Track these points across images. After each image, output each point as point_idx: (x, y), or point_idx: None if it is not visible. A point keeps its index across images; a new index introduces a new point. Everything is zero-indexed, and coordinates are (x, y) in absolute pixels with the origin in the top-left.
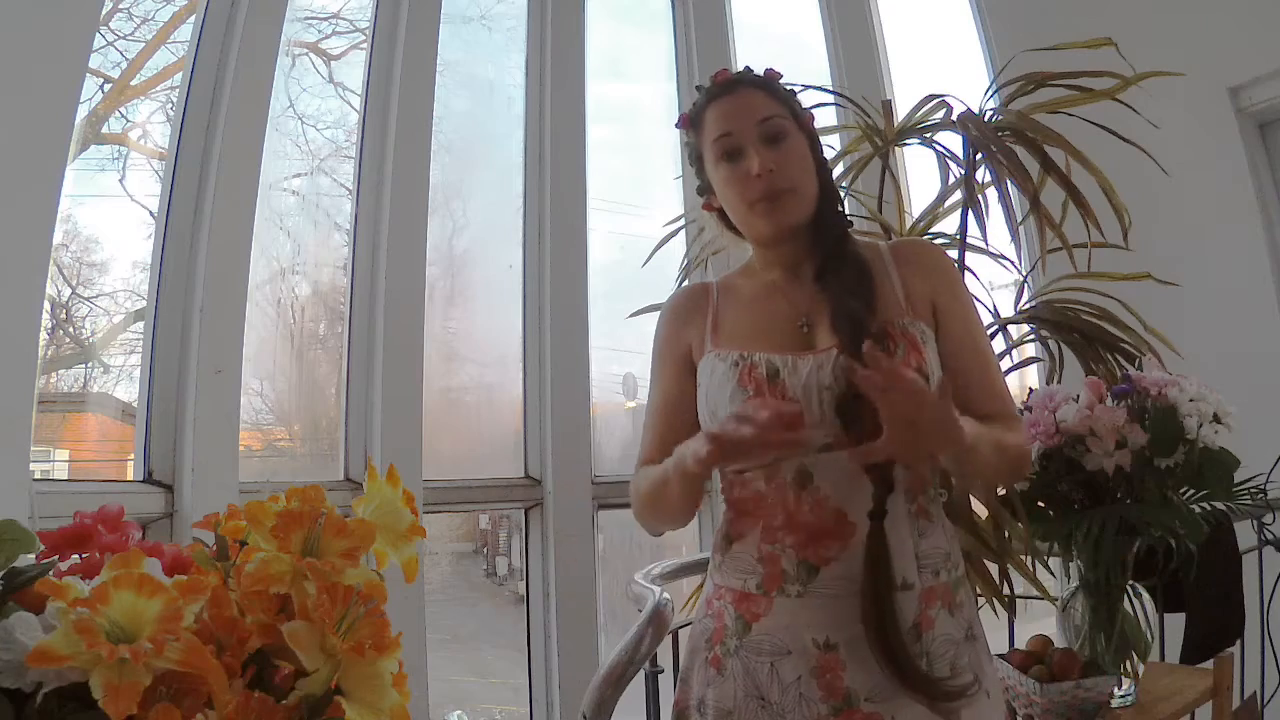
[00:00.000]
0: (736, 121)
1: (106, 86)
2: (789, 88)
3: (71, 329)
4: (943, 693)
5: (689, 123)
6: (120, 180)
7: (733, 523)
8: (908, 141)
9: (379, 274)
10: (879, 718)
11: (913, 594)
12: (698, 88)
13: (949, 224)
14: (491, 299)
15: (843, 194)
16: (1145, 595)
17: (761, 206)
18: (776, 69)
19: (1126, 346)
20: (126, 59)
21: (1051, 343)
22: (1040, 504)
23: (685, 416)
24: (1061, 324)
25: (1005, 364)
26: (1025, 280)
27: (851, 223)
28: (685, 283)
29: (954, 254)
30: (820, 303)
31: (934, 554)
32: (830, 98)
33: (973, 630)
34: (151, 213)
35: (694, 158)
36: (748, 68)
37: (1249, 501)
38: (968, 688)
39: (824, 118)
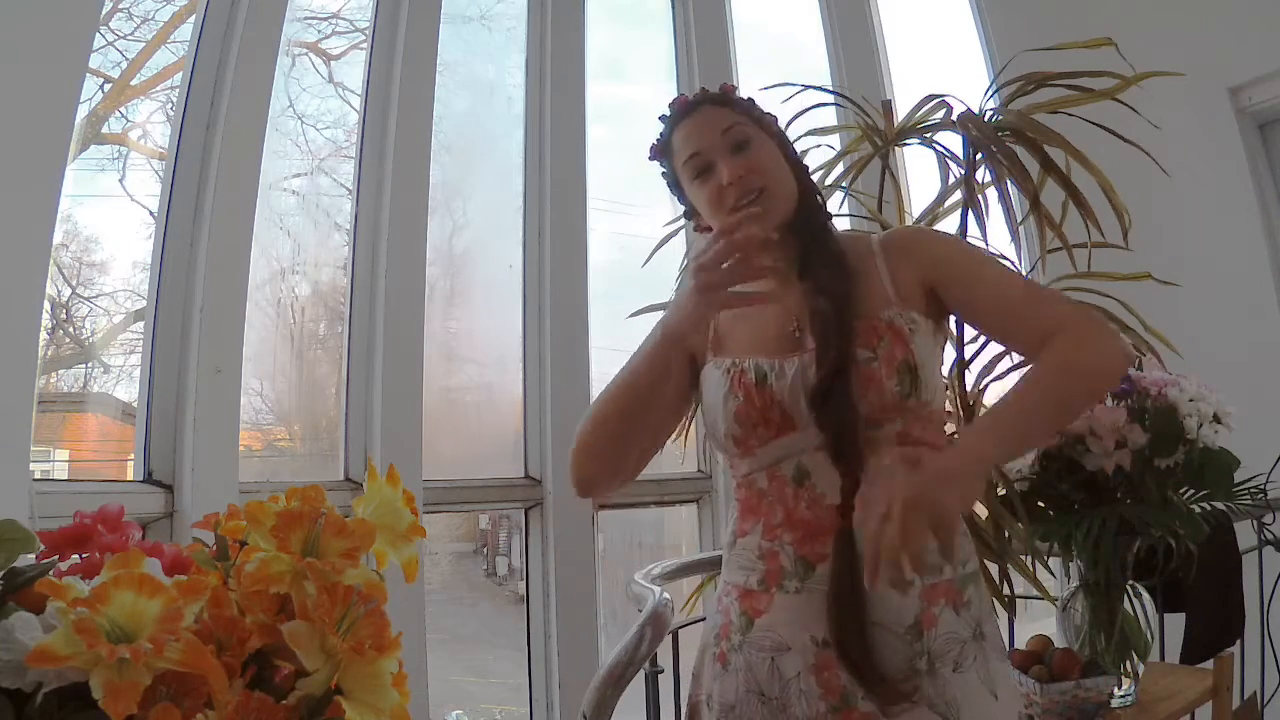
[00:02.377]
0: (701, 139)
1: (106, 86)
2: (747, 97)
3: (71, 329)
4: (889, 694)
5: (660, 152)
6: (120, 180)
7: (738, 521)
8: (908, 141)
9: (379, 274)
10: (876, 718)
11: (912, 591)
12: (660, 118)
13: (949, 224)
14: (491, 299)
15: (841, 194)
16: (1145, 595)
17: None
18: (731, 84)
19: None
20: (126, 59)
21: None
22: (1040, 504)
23: (670, 384)
24: None
25: (1005, 364)
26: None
27: (830, 215)
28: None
29: None
30: (806, 304)
31: (935, 550)
32: (830, 98)
33: (982, 629)
34: (151, 213)
35: (673, 185)
36: (704, 88)
37: (1249, 501)
38: (911, 694)
39: (824, 118)
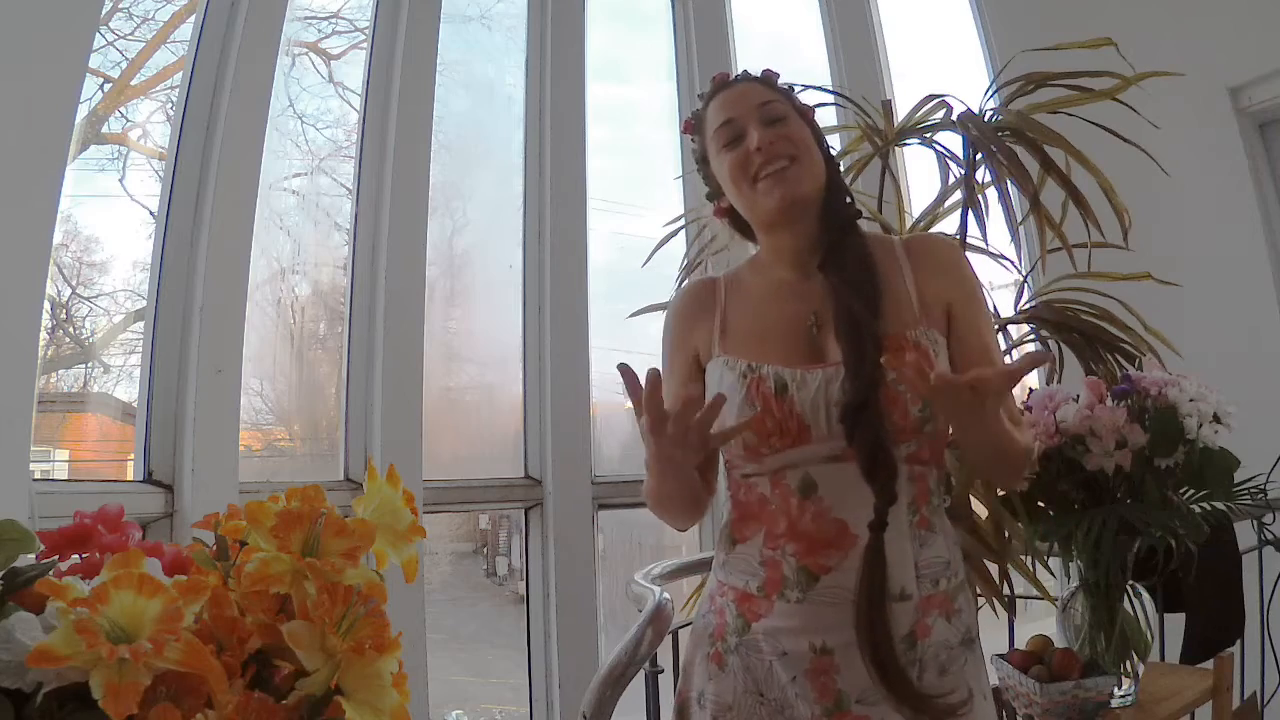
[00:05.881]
0: (736, 108)
1: (106, 86)
2: (788, 85)
3: (71, 329)
4: (933, 709)
5: (693, 127)
6: (120, 180)
7: (736, 524)
8: (908, 141)
9: (379, 274)
10: None
11: (910, 604)
12: (700, 95)
13: (949, 224)
14: (491, 299)
15: None
16: (1145, 595)
17: (764, 183)
18: (774, 70)
19: (1126, 346)
20: (126, 59)
21: (1051, 343)
22: (1040, 504)
23: None
24: (1061, 324)
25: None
26: (1025, 280)
27: (860, 213)
28: (686, 282)
29: None
30: (827, 299)
31: (934, 564)
32: (830, 98)
33: (970, 635)
34: (151, 213)
35: (700, 160)
36: (745, 70)
37: (1249, 501)
38: (959, 707)
39: (824, 118)
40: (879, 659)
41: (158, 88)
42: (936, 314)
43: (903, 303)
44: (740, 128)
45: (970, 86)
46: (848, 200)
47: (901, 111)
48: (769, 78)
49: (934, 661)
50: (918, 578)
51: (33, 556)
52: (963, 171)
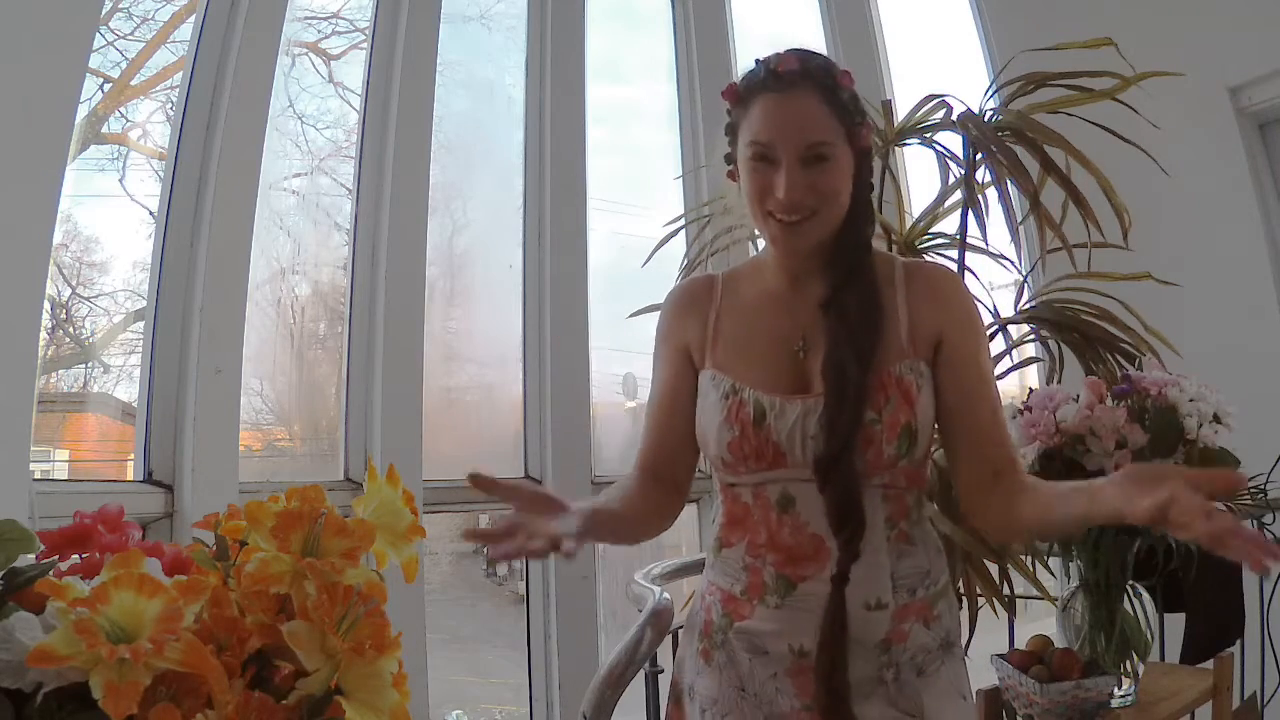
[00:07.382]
0: (782, 133)
1: (106, 86)
2: (851, 93)
3: (71, 329)
4: None
5: (736, 98)
6: (120, 180)
7: (725, 528)
8: (908, 141)
9: (379, 274)
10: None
11: (885, 613)
12: (757, 60)
13: (949, 224)
14: (492, 299)
15: None
16: (1145, 595)
17: (774, 225)
18: (850, 73)
19: (1126, 346)
20: (126, 59)
21: (1051, 343)
22: None
23: (683, 406)
24: (1061, 324)
25: (1005, 364)
26: (1025, 280)
27: (870, 247)
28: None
29: (954, 254)
30: (819, 328)
31: (912, 574)
32: None
33: (949, 639)
34: (151, 213)
35: (729, 128)
36: (820, 66)
37: (1249, 501)
38: None
39: None
40: (834, 705)
41: (158, 88)
42: (926, 344)
43: (891, 333)
44: (775, 156)
45: (970, 86)
46: (868, 228)
47: (901, 111)
48: (835, 89)
49: (910, 664)
50: (894, 588)
51: (33, 556)
52: (963, 171)
